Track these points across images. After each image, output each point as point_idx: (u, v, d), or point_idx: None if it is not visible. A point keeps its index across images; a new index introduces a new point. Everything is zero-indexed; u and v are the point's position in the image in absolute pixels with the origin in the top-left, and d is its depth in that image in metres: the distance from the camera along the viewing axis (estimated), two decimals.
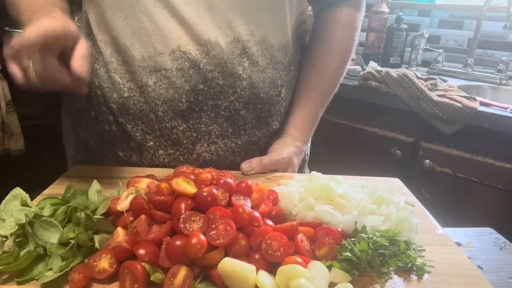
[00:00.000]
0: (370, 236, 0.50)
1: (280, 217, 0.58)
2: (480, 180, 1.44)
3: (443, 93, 1.50)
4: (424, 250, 0.55)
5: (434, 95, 1.47)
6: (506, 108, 1.40)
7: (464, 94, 1.49)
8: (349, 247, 0.49)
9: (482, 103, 1.44)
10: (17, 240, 0.53)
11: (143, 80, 0.73)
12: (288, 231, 0.51)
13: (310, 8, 0.96)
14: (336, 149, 1.81)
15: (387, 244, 0.49)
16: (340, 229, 0.53)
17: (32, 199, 0.60)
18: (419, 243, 0.56)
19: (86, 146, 0.84)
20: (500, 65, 1.82)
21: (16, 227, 0.53)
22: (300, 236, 0.52)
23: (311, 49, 0.92)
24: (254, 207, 0.57)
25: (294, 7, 0.82)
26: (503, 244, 0.74)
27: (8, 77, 1.99)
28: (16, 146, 2.15)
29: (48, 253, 0.50)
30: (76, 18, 0.84)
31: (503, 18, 1.83)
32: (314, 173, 0.68)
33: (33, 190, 0.59)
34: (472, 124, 1.40)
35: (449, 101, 1.44)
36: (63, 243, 0.51)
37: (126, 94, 0.75)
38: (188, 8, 0.71)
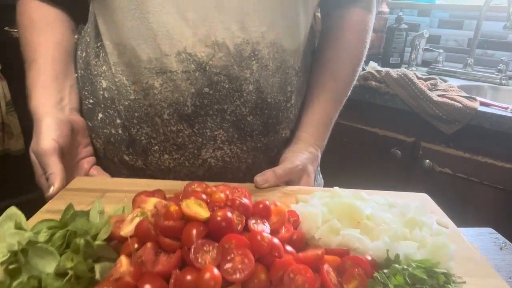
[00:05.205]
0: (405, 267, 0.42)
1: (302, 242, 0.49)
2: (480, 180, 1.38)
3: (443, 93, 1.45)
4: (464, 282, 0.46)
5: (434, 95, 1.41)
6: (506, 108, 1.35)
7: (464, 94, 1.44)
8: (382, 281, 0.42)
9: (482, 103, 1.38)
10: (10, 267, 0.45)
11: (149, 82, 0.67)
12: (313, 262, 0.44)
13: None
14: (336, 149, 1.75)
15: (425, 278, 0.42)
16: (369, 258, 0.46)
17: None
18: (458, 274, 0.48)
19: (93, 149, 0.79)
20: (500, 65, 1.76)
21: (9, 255, 0.45)
22: (326, 267, 0.43)
23: (321, 52, 0.84)
24: (273, 232, 0.48)
25: (308, 9, 0.74)
26: (503, 244, 0.70)
27: (8, 77, 1.89)
28: (16, 146, 2.04)
29: (43, 285, 0.42)
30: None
31: (503, 18, 1.76)
32: (336, 188, 0.59)
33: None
34: (472, 124, 1.35)
35: (449, 101, 1.38)
36: (60, 274, 0.44)
37: (132, 97, 0.69)
38: (196, 7, 0.63)
